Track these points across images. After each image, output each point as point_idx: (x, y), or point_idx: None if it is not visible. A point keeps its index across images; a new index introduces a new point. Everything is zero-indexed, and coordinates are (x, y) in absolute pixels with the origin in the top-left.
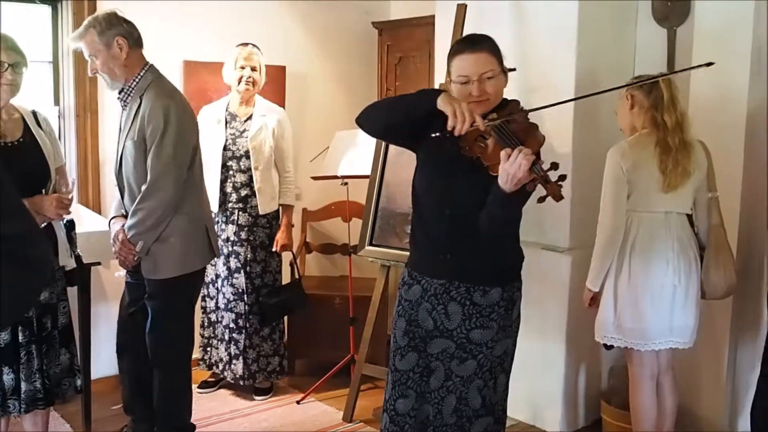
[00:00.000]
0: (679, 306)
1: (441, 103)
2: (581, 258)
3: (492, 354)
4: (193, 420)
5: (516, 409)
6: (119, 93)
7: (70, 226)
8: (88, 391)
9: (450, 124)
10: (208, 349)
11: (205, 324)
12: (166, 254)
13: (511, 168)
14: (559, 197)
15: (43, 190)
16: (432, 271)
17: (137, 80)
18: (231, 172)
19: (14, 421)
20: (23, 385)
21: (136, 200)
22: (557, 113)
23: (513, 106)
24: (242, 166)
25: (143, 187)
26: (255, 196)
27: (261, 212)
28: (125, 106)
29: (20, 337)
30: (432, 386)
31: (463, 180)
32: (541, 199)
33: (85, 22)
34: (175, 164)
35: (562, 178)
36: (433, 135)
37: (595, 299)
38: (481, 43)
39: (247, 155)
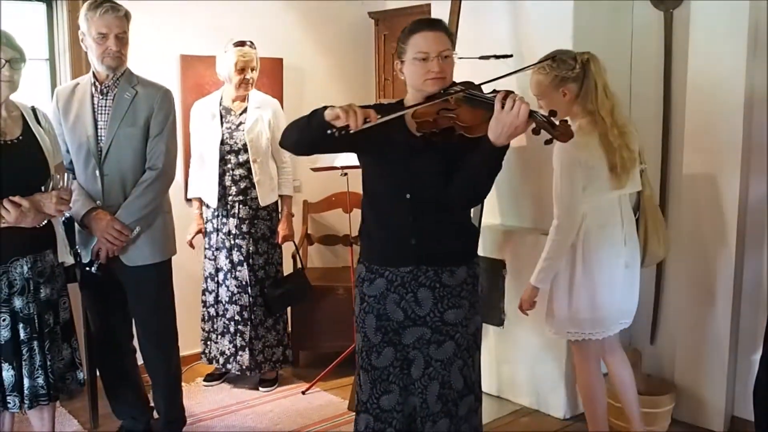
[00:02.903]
0: (629, 286)
1: (329, 114)
2: None
3: (467, 332)
4: (199, 412)
5: (519, 394)
6: (107, 78)
7: (69, 223)
8: (94, 387)
9: (343, 121)
10: (209, 342)
11: (205, 318)
12: (155, 238)
13: (508, 117)
14: (569, 135)
15: (42, 188)
16: (397, 260)
17: (123, 71)
18: (229, 166)
19: (22, 418)
20: (26, 382)
21: (141, 185)
22: None
23: (466, 84)
24: (240, 159)
25: (153, 173)
26: (254, 188)
27: (261, 204)
28: (106, 92)
29: (21, 334)
30: (414, 376)
31: (419, 161)
32: (548, 142)
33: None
34: (176, 151)
35: (565, 121)
36: (329, 132)
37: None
38: (438, 24)
39: (244, 148)
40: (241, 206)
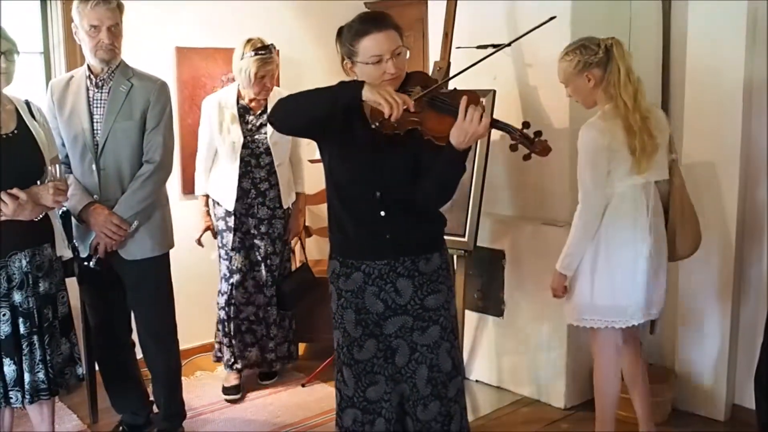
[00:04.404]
0: (654, 276)
1: (368, 94)
2: None
3: (449, 314)
4: (199, 406)
5: (520, 385)
6: (102, 71)
7: (66, 217)
8: (93, 382)
9: (386, 111)
10: (217, 344)
11: (218, 318)
12: (153, 232)
13: (471, 126)
14: (546, 150)
15: (38, 181)
16: (374, 254)
17: (119, 64)
18: (249, 168)
19: (21, 414)
20: (26, 377)
21: (138, 179)
22: (553, 89)
23: (421, 77)
24: (261, 162)
25: (150, 166)
26: (273, 189)
27: (284, 206)
28: (101, 85)
29: (21, 329)
30: (399, 364)
31: (388, 158)
32: (527, 157)
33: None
34: (173, 144)
35: (538, 133)
36: (374, 126)
37: (565, 286)
38: (386, 21)
39: (267, 152)
40: (259, 206)
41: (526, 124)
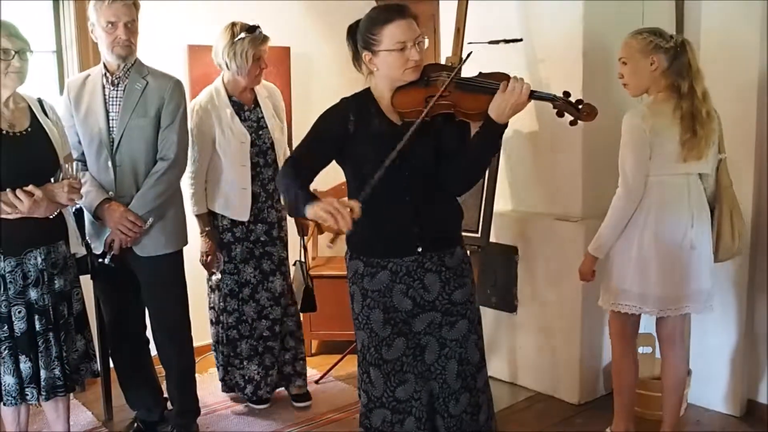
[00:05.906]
0: (695, 270)
1: (312, 214)
2: (595, 227)
3: (474, 307)
4: (212, 402)
5: (534, 380)
6: (117, 69)
7: (79, 214)
8: (108, 378)
9: (333, 224)
10: (229, 369)
11: (224, 341)
12: (167, 229)
13: (512, 96)
14: (592, 114)
15: (52, 179)
16: (402, 250)
17: (134, 62)
18: (258, 169)
19: (36, 410)
20: (42, 373)
21: (153, 176)
22: (565, 84)
23: (439, 66)
24: (268, 160)
25: (165, 163)
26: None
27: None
28: (116, 82)
29: (37, 326)
30: (429, 360)
31: (411, 152)
32: (573, 122)
33: None
34: (187, 141)
35: (580, 101)
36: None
37: (593, 270)
38: (408, 10)
39: (272, 147)
40: (269, 210)
41: (566, 94)
